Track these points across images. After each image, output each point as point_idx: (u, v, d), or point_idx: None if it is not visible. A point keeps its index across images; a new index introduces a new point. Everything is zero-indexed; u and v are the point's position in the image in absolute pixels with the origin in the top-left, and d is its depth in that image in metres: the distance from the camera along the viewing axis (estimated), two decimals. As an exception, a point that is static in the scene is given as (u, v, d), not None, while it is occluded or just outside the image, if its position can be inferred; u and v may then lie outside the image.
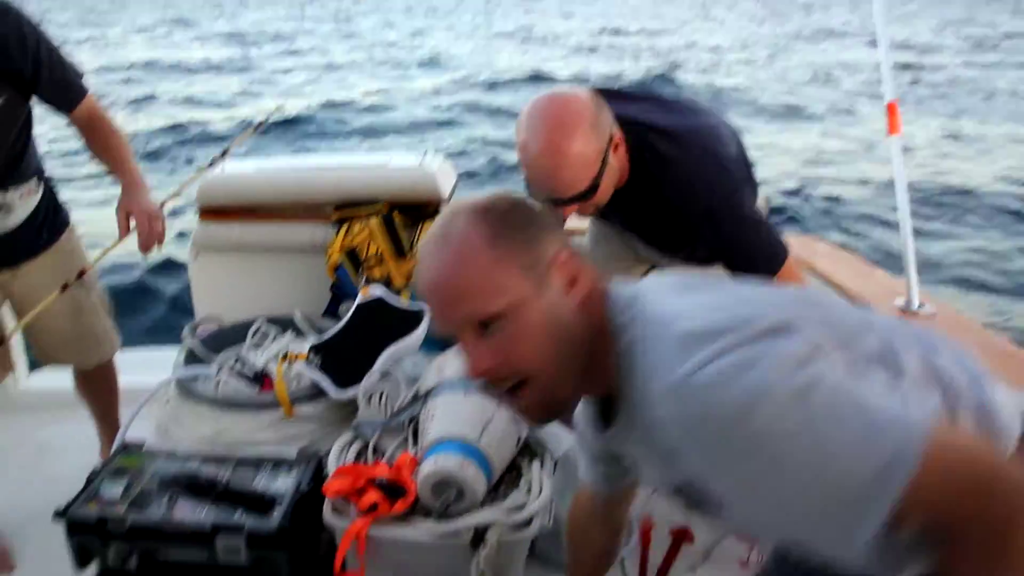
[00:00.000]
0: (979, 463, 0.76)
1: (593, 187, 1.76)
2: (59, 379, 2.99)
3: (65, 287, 2.11)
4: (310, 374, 2.19)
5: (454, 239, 0.96)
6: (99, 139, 2.20)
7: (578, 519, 1.51)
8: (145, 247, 2.15)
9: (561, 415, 1.04)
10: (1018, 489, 0.73)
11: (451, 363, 2.10)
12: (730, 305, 0.93)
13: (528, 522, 1.82)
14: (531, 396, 0.97)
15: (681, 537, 2.24)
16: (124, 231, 2.16)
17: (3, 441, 2.42)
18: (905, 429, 0.77)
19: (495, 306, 0.93)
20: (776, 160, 9.26)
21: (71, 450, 2.68)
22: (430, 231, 1.01)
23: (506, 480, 1.98)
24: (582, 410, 1.25)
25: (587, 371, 0.98)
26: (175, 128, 10.93)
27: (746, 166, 2.12)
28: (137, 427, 2.32)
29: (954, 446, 0.77)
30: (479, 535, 1.76)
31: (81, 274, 2.17)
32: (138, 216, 2.13)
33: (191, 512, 1.90)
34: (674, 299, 0.96)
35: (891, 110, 2.75)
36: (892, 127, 2.77)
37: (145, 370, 2.65)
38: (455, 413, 1.91)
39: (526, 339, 0.94)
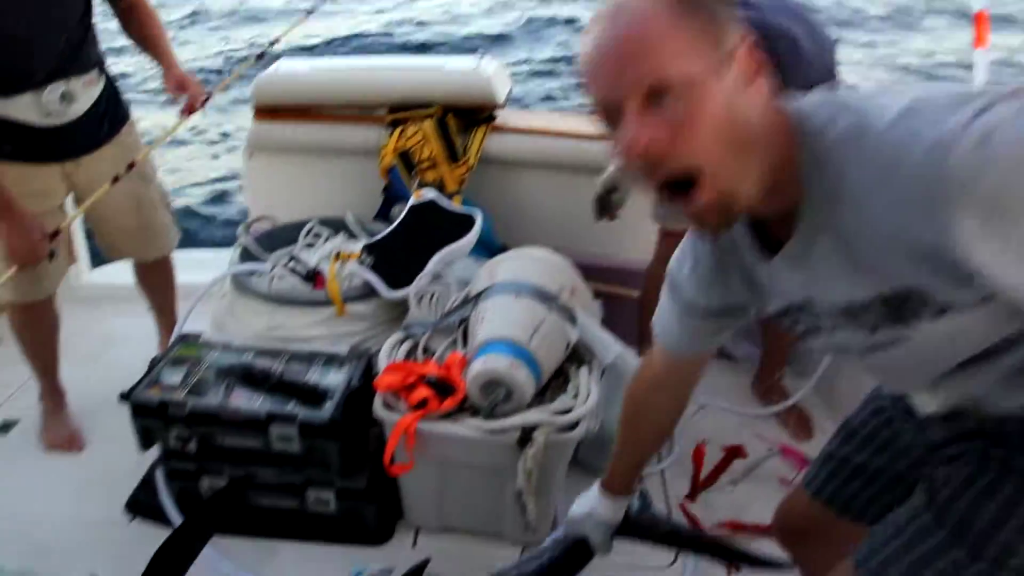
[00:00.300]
0: None
1: None
2: (120, 274, 3.09)
3: (116, 179, 2.14)
4: (362, 273, 2.20)
5: (631, 3, 0.85)
6: (140, 25, 2.30)
7: (643, 383, 1.38)
8: (190, 110, 2.33)
9: (733, 223, 0.93)
10: None
11: (503, 267, 2.08)
12: (950, 86, 0.84)
13: (574, 425, 1.83)
14: (706, 195, 0.85)
15: (734, 453, 2.24)
16: (176, 95, 2.32)
17: (69, 331, 2.50)
18: None
19: (671, 70, 0.82)
20: (873, 74, 8.74)
21: (132, 341, 2.77)
22: (601, 7, 0.90)
23: (553, 385, 1.99)
24: (691, 255, 1.14)
25: (768, 178, 0.87)
26: (223, 53, 10.73)
27: (827, 78, 2.00)
28: (194, 321, 2.38)
29: None
30: (526, 435, 1.78)
31: (131, 166, 2.20)
32: (190, 83, 2.30)
33: (246, 401, 1.95)
34: (882, 95, 0.86)
35: (979, 20, 2.57)
36: (979, 39, 2.59)
37: (200, 270, 2.70)
38: (506, 315, 1.91)
39: (701, 124, 0.82)
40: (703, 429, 2.38)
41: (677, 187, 0.87)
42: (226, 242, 3.31)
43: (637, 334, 2.36)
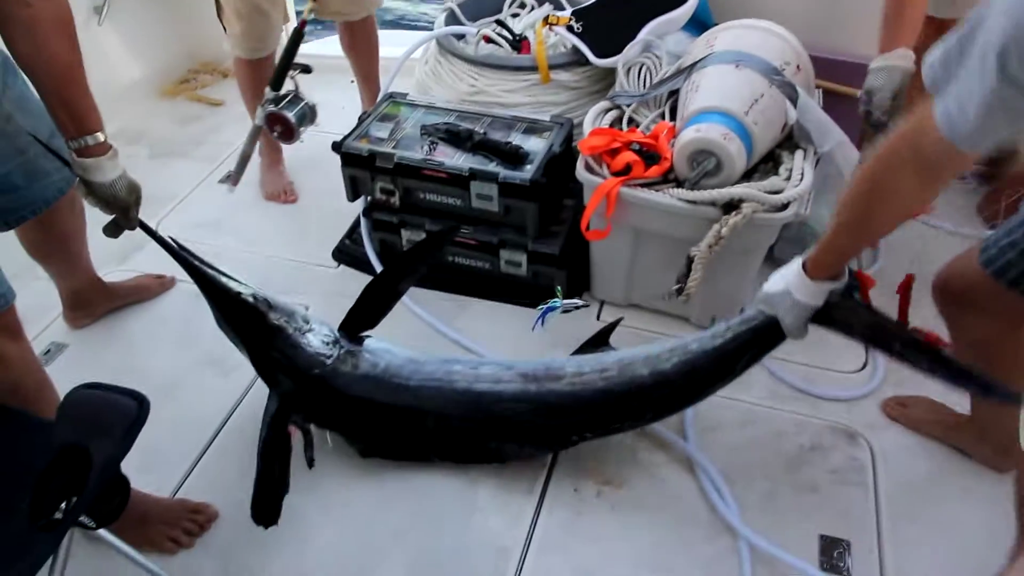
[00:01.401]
0: None
1: None
2: (326, 46, 3.18)
3: None
4: (570, 39, 2.11)
5: None
6: None
7: (896, 159, 1.16)
8: None
9: None
10: None
11: (724, 35, 1.92)
12: None
13: (784, 206, 1.73)
14: None
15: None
16: None
17: (282, 97, 2.64)
18: None
19: None
20: None
21: (338, 108, 2.87)
22: None
23: (762, 168, 1.87)
24: None
25: None
26: None
27: None
28: (397, 85, 2.42)
29: None
30: (734, 204, 1.69)
31: None
32: None
33: (449, 157, 1.99)
34: None
35: None
36: None
37: (403, 46, 2.71)
38: (723, 86, 1.78)
39: None
40: (914, 248, 2.18)
41: None
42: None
43: (859, 137, 2.14)
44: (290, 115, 2.12)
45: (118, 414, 1.01)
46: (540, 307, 1.72)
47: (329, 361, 1.64)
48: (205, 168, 2.79)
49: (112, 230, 1.51)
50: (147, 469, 1.60)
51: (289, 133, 2.15)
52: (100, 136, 1.36)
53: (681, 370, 1.57)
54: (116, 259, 2.30)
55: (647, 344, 1.64)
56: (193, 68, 3.41)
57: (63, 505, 1.02)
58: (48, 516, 1.00)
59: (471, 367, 1.69)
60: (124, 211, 1.46)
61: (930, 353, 1.39)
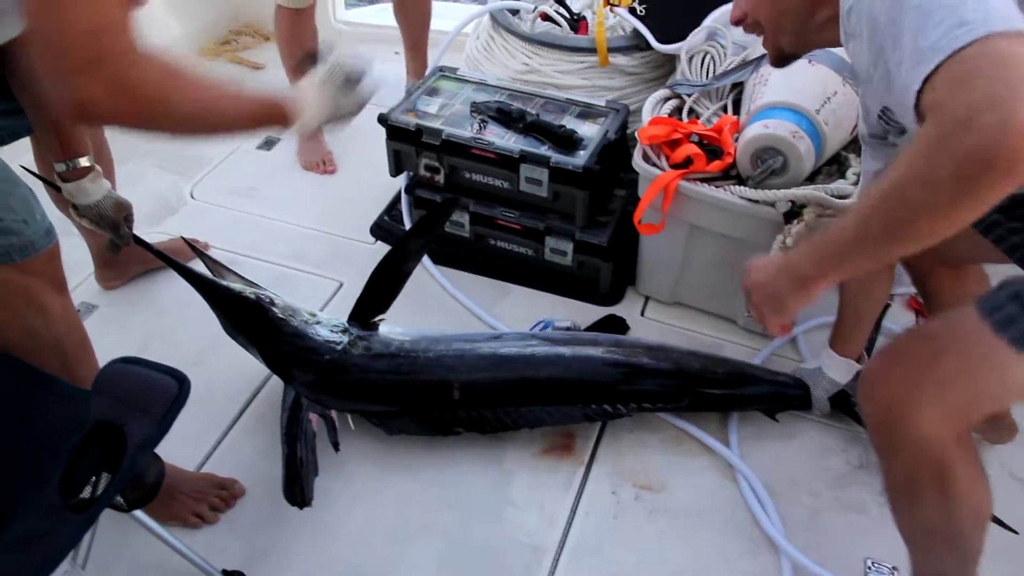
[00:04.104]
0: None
1: None
2: (371, 15, 3.11)
3: None
4: (632, 22, 2.02)
5: None
6: None
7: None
8: None
9: (789, 61, 1.26)
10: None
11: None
12: None
13: (852, 212, 1.64)
14: (764, 42, 1.23)
15: None
16: None
17: (323, 64, 2.56)
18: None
19: None
20: None
21: (382, 81, 2.81)
22: None
23: (826, 170, 1.78)
24: None
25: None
26: None
27: None
28: (446, 60, 2.34)
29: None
30: (796, 209, 1.62)
31: None
32: None
33: (500, 137, 1.92)
34: None
35: None
36: None
37: (452, 20, 2.63)
38: (794, 80, 1.69)
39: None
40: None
41: None
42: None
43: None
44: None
45: (157, 393, 0.96)
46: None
47: (339, 347, 1.58)
48: (243, 132, 2.73)
49: (111, 247, 1.54)
50: (172, 441, 1.54)
51: None
52: (84, 161, 1.41)
53: (730, 375, 1.73)
54: (150, 222, 2.25)
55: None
56: (235, 29, 3.35)
57: (93, 480, 0.98)
58: (77, 493, 0.95)
59: (491, 338, 1.70)
60: (114, 228, 1.48)
61: None
